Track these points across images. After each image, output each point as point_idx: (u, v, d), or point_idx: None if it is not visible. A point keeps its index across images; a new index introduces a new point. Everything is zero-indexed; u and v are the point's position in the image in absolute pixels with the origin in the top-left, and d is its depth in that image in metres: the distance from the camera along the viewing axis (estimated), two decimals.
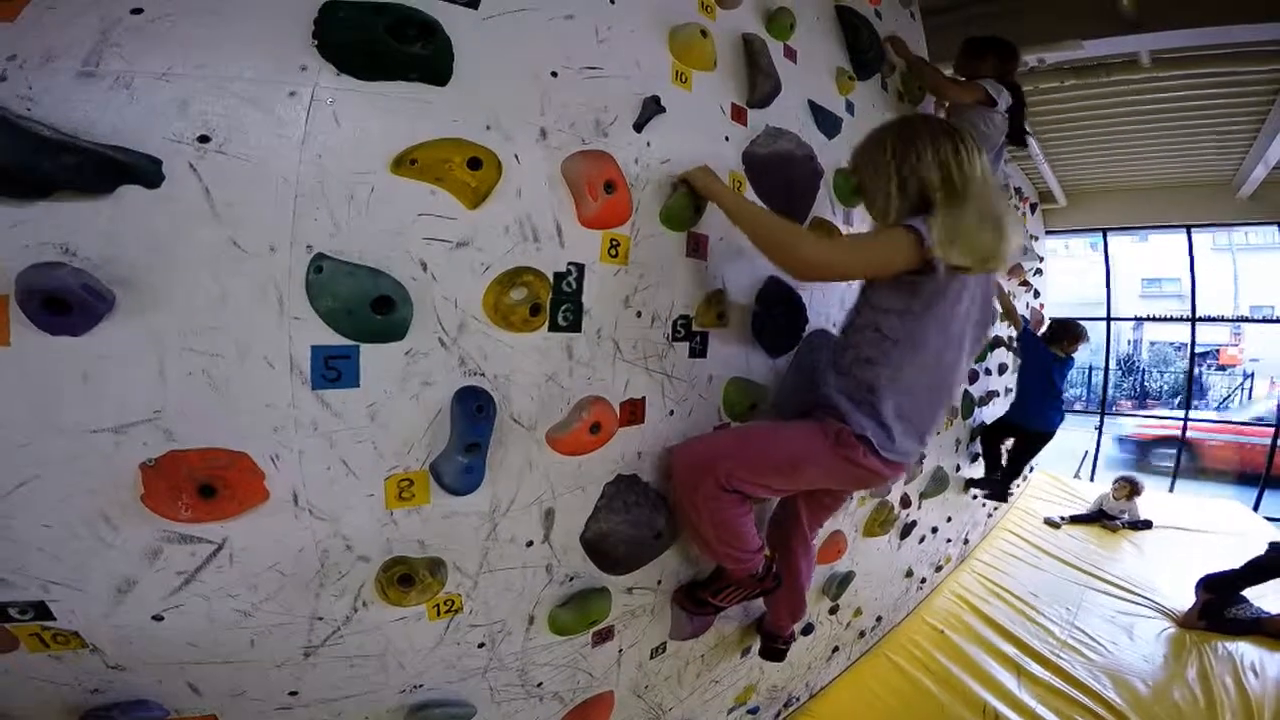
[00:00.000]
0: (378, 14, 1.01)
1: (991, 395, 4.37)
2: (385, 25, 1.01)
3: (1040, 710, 2.63)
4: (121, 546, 0.94)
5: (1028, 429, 4.19)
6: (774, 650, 1.99)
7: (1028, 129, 2.81)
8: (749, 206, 1.52)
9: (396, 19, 1.03)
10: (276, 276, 0.96)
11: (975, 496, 4.22)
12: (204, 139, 0.92)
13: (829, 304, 2.06)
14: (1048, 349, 4.14)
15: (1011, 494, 4.60)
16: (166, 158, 0.90)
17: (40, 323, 0.83)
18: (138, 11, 0.90)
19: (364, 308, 1.00)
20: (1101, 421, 7.72)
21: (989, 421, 4.36)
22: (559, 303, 1.27)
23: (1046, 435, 4.23)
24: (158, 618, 0.99)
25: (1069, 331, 4.18)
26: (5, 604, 0.92)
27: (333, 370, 1.01)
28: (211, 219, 0.92)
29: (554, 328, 1.28)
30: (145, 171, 0.88)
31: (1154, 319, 13.82)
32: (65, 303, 0.82)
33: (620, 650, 1.61)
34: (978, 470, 4.29)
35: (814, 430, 1.48)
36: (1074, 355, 4.18)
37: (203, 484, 0.94)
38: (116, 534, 0.94)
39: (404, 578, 1.13)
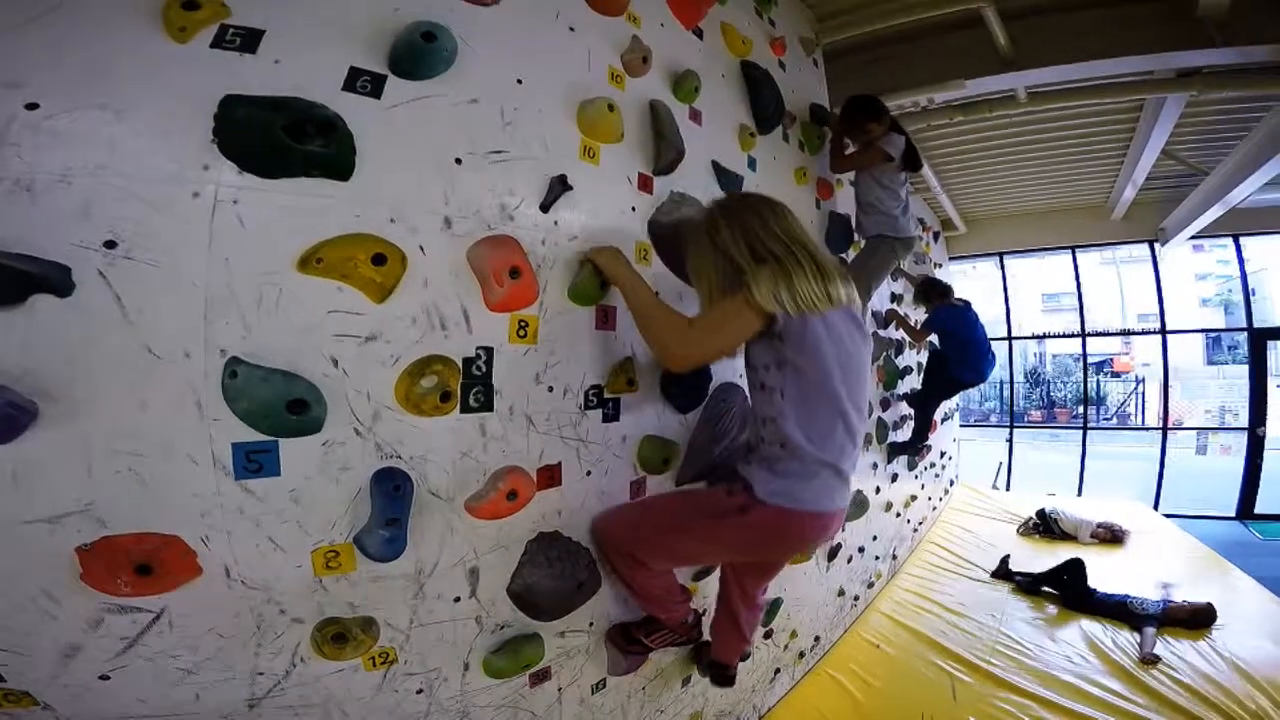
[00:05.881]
0: (275, 111, 1.07)
1: (905, 420, 4.58)
2: (283, 124, 1.06)
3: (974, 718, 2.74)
4: (65, 618, 1.00)
5: (978, 381, 4.56)
6: (723, 678, 2.03)
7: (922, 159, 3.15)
8: (642, 298, 1.55)
9: (295, 117, 1.08)
10: (193, 381, 1.02)
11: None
12: (110, 244, 0.95)
13: (734, 361, 2.10)
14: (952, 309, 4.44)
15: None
16: (75, 264, 0.93)
17: None
18: (33, 107, 0.92)
19: (280, 410, 1.06)
20: (1011, 433, 8.30)
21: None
22: (470, 386, 1.33)
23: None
24: (104, 677, 1.04)
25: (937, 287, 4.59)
26: None
27: (254, 463, 1.07)
28: (125, 326, 0.97)
29: (466, 409, 1.34)
30: (55, 280, 0.91)
31: (1049, 335, 15.16)
32: None
33: (560, 689, 1.65)
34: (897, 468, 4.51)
35: (715, 505, 1.52)
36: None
37: (139, 564, 1.01)
38: (59, 607, 0.99)
39: (337, 635, 1.20)
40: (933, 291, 4.51)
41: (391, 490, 1.20)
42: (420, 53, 1.23)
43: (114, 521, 1.00)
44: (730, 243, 1.49)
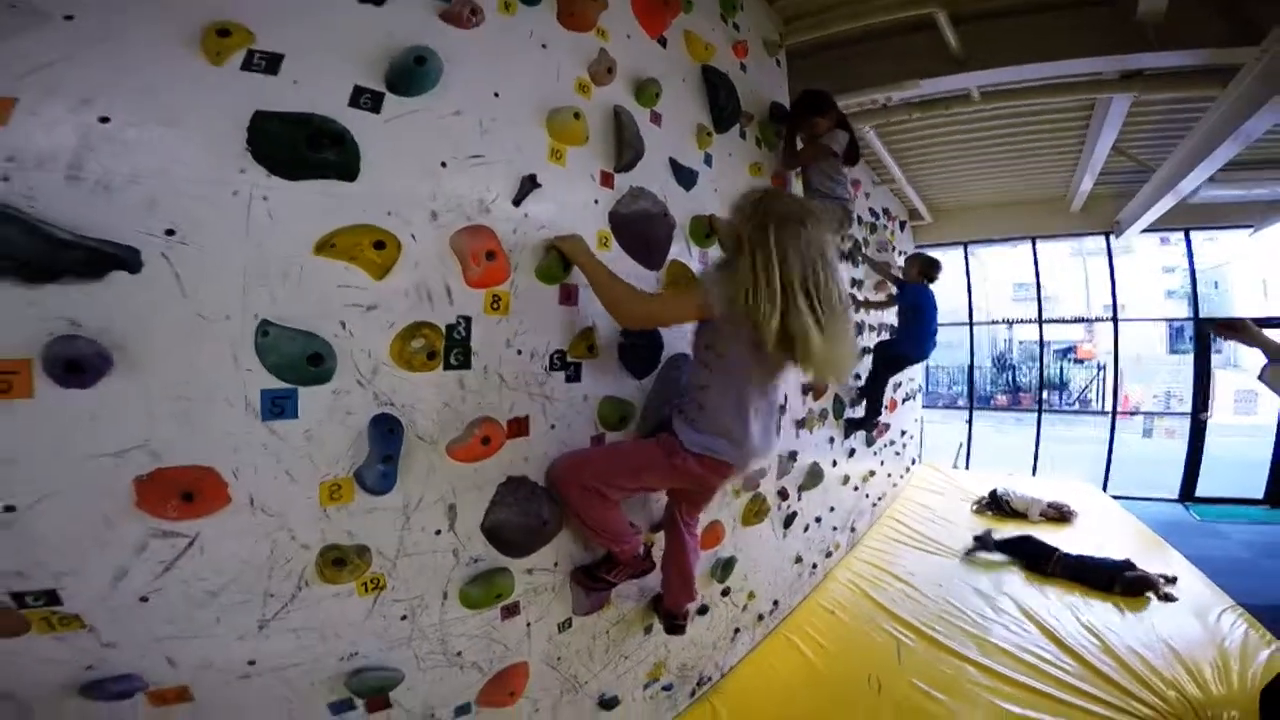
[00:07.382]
0: (299, 126, 1.31)
1: (862, 395, 4.78)
2: (305, 136, 1.31)
3: (916, 680, 2.98)
4: (117, 543, 1.16)
5: (921, 358, 4.89)
6: (674, 626, 2.32)
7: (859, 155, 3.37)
8: (601, 275, 1.80)
9: (314, 130, 1.32)
10: (233, 339, 1.25)
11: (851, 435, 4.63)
12: (170, 232, 1.18)
13: (684, 331, 2.32)
14: (926, 289, 4.65)
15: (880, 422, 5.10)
16: (142, 248, 1.15)
17: (59, 380, 1.09)
18: (105, 120, 1.12)
19: (302, 362, 1.32)
20: (971, 415, 8.49)
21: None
22: (451, 347, 1.58)
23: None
24: (144, 599, 1.19)
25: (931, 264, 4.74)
26: (22, 593, 1.10)
27: (278, 407, 1.32)
28: (182, 298, 1.20)
29: (448, 367, 1.59)
30: (129, 260, 1.14)
31: (1006, 321, 15.62)
32: (81, 365, 1.10)
33: (529, 624, 1.85)
34: (855, 444, 4.72)
35: (652, 445, 1.85)
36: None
37: (185, 492, 1.22)
38: (114, 532, 1.15)
39: (337, 560, 1.42)
40: (926, 267, 4.69)
41: (386, 432, 1.46)
42: (412, 74, 1.47)
43: (166, 456, 1.19)
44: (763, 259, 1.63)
